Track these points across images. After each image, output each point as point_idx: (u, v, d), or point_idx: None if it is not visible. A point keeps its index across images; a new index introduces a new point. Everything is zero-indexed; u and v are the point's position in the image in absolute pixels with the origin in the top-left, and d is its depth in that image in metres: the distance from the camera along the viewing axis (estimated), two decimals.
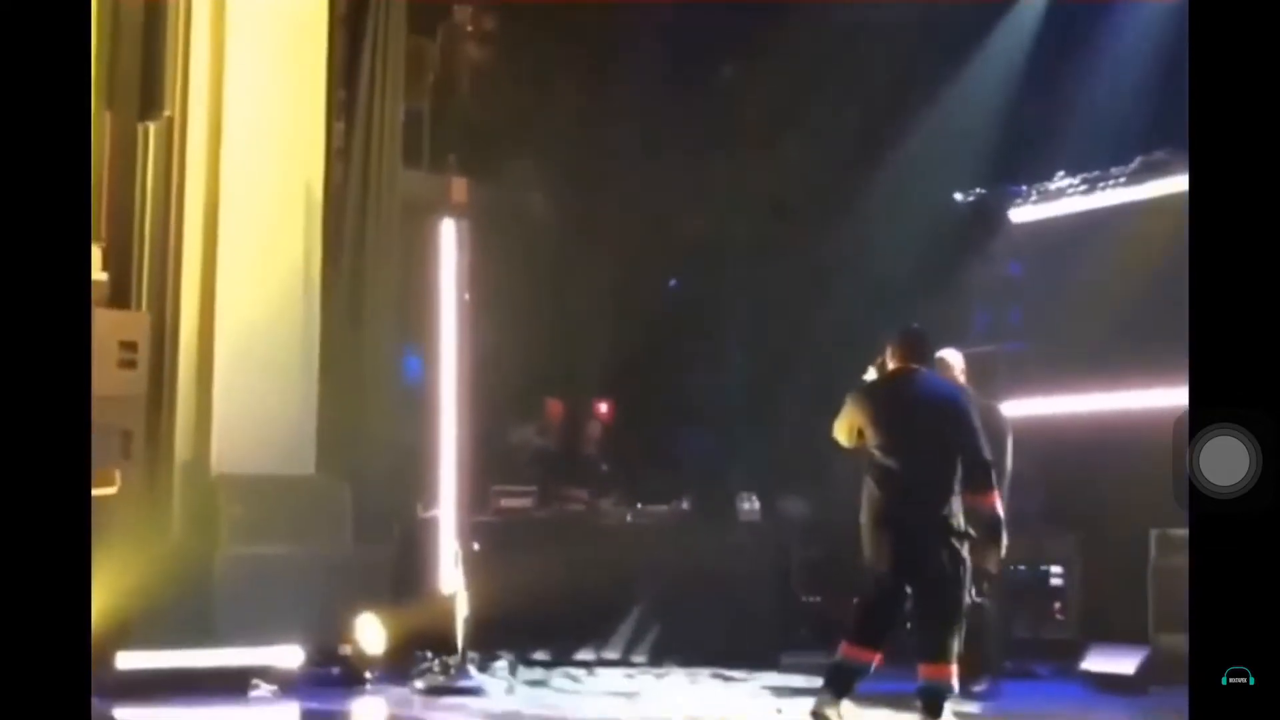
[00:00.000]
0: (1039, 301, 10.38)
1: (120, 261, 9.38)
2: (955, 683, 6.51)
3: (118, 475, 6.58)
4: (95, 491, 6.63)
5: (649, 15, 11.25)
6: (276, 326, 9.43)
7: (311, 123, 9.72)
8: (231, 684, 7.89)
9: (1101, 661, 8.41)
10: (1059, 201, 10.27)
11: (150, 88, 9.74)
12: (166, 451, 9.27)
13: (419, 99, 11.11)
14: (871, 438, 6.64)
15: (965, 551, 6.54)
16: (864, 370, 7.09)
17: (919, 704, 6.56)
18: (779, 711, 7.56)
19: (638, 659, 9.38)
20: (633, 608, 9.47)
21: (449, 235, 9.06)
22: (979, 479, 6.56)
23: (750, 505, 9.93)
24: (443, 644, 8.52)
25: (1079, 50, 10.61)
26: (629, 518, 10.00)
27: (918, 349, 6.87)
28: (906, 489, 6.53)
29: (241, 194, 9.42)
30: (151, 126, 9.62)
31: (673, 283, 12.82)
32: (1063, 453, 9.61)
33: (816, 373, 9.83)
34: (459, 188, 10.63)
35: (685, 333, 12.22)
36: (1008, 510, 7.98)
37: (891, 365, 6.87)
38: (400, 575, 9.28)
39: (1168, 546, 8.50)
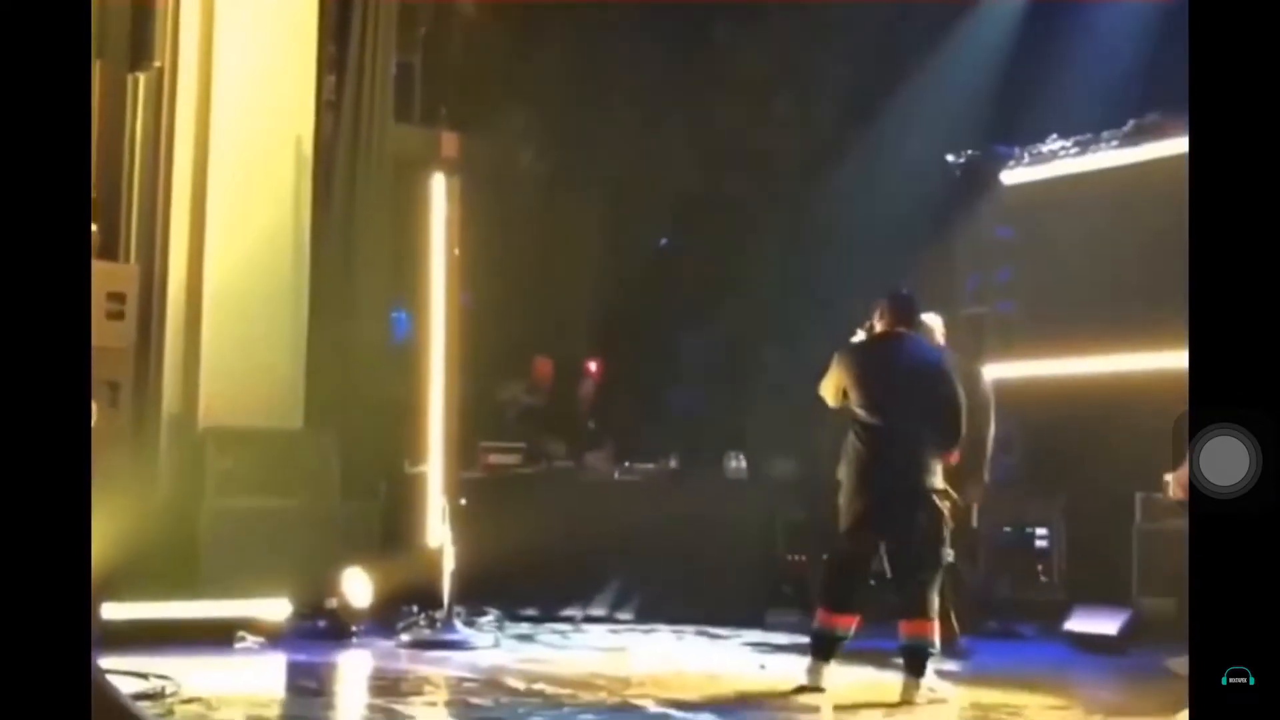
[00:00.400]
0: (1029, 264, 10.37)
1: (109, 213, 9.34)
2: (936, 640, 6.59)
3: (94, 408, 6.57)
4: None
5: None
6: (265, 280, 9.41)
7: (302, 76, 9.67)
8: (217, 636, 7.91)
9: (1085, 622, 8.47)
10: (1051, 164, 10.24)
11: (140, 38, 9.66)
12: (154, 404, 9.27)
13: (410, 53, 11.05)
14: (856, 398, 6.74)
15: (945, 510, 6.67)
16: (853, 332, 7.12)
17: (902, 662, 6.62)
18: (763, 667, 7.61)
19: (624, 615, 9.42)
20: (619, 565, 9.51)
21: (439, 190, 9.03)
22: (948, 439, 6.75)
23: (737, 464, 9.96)
24: (429, 598, 8.56)
25: (1073, 11, 10.56)
26: (616, 475, 10.02)
27: (905, 313, 6.98)
28: (889, 448, 6.64)
29: (231, 147, 9.38)
30: (141, 78, 9.56)
31: (663, 241, 12.79)
32: (1049, 415, 9.63)
33: (805, 333, 9.82)
34: (449, 142, 10.58)
35: (674, 291, 12.20)
36: (992, 472, 8.06)
37: (879, 328, 6.96)
38: (387, 530, 9.32)
39: (1152, 509, 8.55)
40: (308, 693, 6.83)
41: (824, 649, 6.76)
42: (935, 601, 6.61)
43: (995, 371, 8.88)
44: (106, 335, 8.66)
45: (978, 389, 8.23)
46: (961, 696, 6.62)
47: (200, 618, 8.01)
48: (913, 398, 6.70)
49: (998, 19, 11.00)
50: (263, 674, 7.38)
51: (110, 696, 3.64)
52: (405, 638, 8.35)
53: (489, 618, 9.05)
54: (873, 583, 6.87)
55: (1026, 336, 10.13)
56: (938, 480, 6.67)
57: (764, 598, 9.57)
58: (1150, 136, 9.50)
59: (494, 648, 8.29)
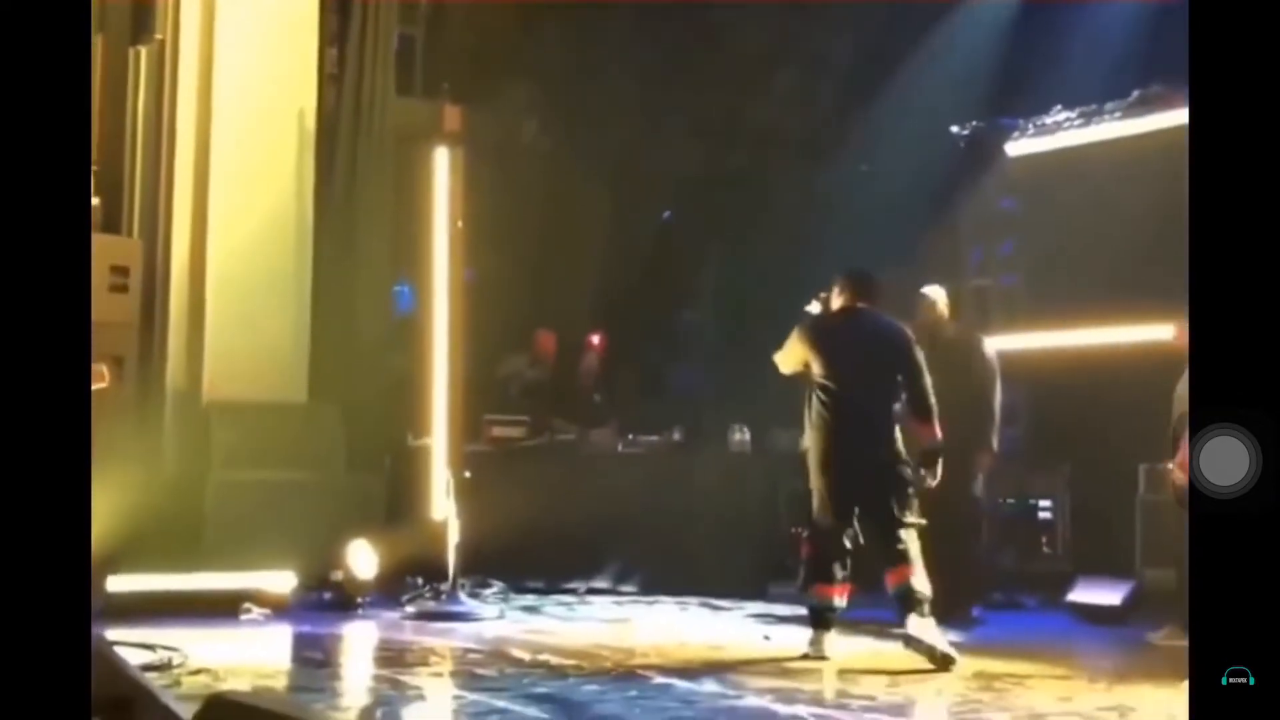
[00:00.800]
0: (1033, 236, 10.36)
1: (112, 187, 9.35)
2: (922, 581, 6.77)
3: (105, 371, 6.59)
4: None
5: None
6: (269, 254, 9.42)
7: (304, 49, 9.65)
8: (223, 608, 7.94)
9: (1088, 593, 8.49)
10: (1055, 135, 10.22)
11: (141, 11, 9.66)
12: (158, 377, 9.29)
13: (412, 26, 11.01)
14: (820, 370, 6.95)
15: (906, 474, 6.91)
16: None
17: (898, 609, 6.80)
18: (766, 639, 7.63)
19: (627, 588, 9.45)
20: (623, 537, 9.54)
21: (442, 164, 9.02)
22: (922, 410, 6.95)
23: (741, 436, 9.97)
24: (434, 570, 8.59)
25: None
26: (620, 448, 10.04)
27: (865, 288, 7.14)
28: (854, 420, 6.87)
29: (233, 120, 9.38)
30: (143, 51, 9.55)
31: (666, 214, 12.77)
32: (1052, 387, 9.64)
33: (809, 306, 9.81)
34: (452, 115, 10.56)
35: (678, 264, 12.20)
36: (1000, 443, 8.11)
37: (839, 302, 7.14)
38: (392, 502, 9.34)
39: (1155, 481, 8.55)
40: (313, 664, 6.87)
41: (823, 620, 6.95)
42: (915, 550, 6.81)
43: (999, 344, 8.87)
44: (110, 309, 8.70)
45: (983, 361, 8.25)
46: (965, 666, 6.64)
47: (206, 590, 8.05)
48: (875, 370, 6.94)
49: None
50: (269, 645, 7.41)
51: (118, 668, 3.66)
52: (410, 609, 8.39)
53: (493, 590, 9.08)
54: (849, 546, 7.02)
55: (1030, 308, 10.13)
56: (899, 449, 6.91)
57: (767, 570, 9.60)
58: (1154, 107, 9.47)
59: (499, 619, 8.33)
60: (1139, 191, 9.31)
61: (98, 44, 9.22)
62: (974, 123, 10.72)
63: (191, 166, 9.33)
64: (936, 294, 8.29)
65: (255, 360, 9.27)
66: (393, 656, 7.06)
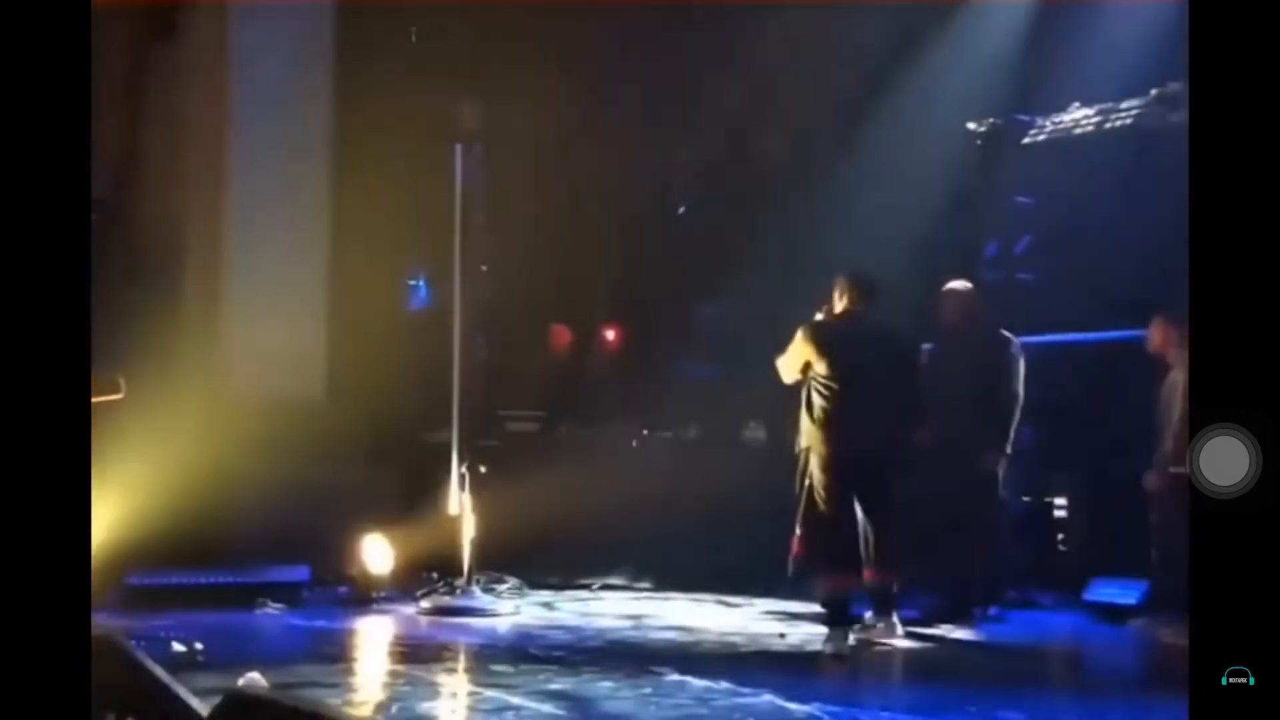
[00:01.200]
0: (1048, 232, 10.33)
1: (130, 183, 9.38)
2: (896, 586, 7.19)
3: (122, 383, 6.61)
4: (102, 399, 6.67)
5: None
6: (287, 251, 9.44)
7: (323, 45, 9.66)
8: (240, 602, 7.97)
9: (1104, 593, 8.46)
10: (1072, 132, 10.18)
11: (160, 10, 9.68)
12: (177, 374, 9.31)
13: (433, 19, 11.01)
14: (825, 370, 7.11)
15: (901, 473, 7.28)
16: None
17: (873, 605, 7.20)
18: (782, 636, 7.63)
19: (642, 584, 9.46)
20: (638, 533, 9.53)
21: (459, 159, 9.03)
22: (915, 413, 7.27)
23: (755, 433, 9.96)
24: (449, 565, 8.61)
25: None
26: (634, 443, 10.04)
27: (868, 289, 7.30)
28: (857, 416, 7.06)
29: (253, 117, 9.39)
30: (163, 45, 9.58)
31: (682, 209, 12.77)
32: (1069, 384, 9.60)
33: (826, 299, 9.80)
34: (471, 111, 10.55)
35: (694, 259, 12.18)
36: (1016, 440, 8.13)
37: (842, 304, 7.29)
38: (407, 497, 9.36)
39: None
40: (329, 659, 6.88)
41: (839, 613, 7.08)
42: (896, 553, 7.21)
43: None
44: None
45: (1007, 359, 8.21)
46: (981, 664, 6.64)
47: (223, 584, 8.07)
48: (878, 371, 7.11)
49: None
50: (284, 640, 7.43)
51: (136, 664, 3.67)
52: (425, 605, 8.41)
53: (508, 585, 9.09)
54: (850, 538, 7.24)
55: (1045, 304, 10.09)
56: (899, 448, 7.20)
57: (782, 567, 9.58)
58: (1172, 105, 9.43)
59: (514, 615, 8.34)
60: (1156, 189, 9.27)
61: (115, 40, 9.24)
62: (991, 119, 10.69)
63: (211, 163, 9.35)
64: (963, 289, 8.29)
65: (273, 355, 9.29)
66: (408, 652, 7.08)
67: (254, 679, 5.42)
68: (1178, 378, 7.83)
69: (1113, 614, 8.29)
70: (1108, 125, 9.92)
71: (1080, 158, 10.04)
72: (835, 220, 10.99)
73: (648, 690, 5.89)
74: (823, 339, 7.18)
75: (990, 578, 8.29)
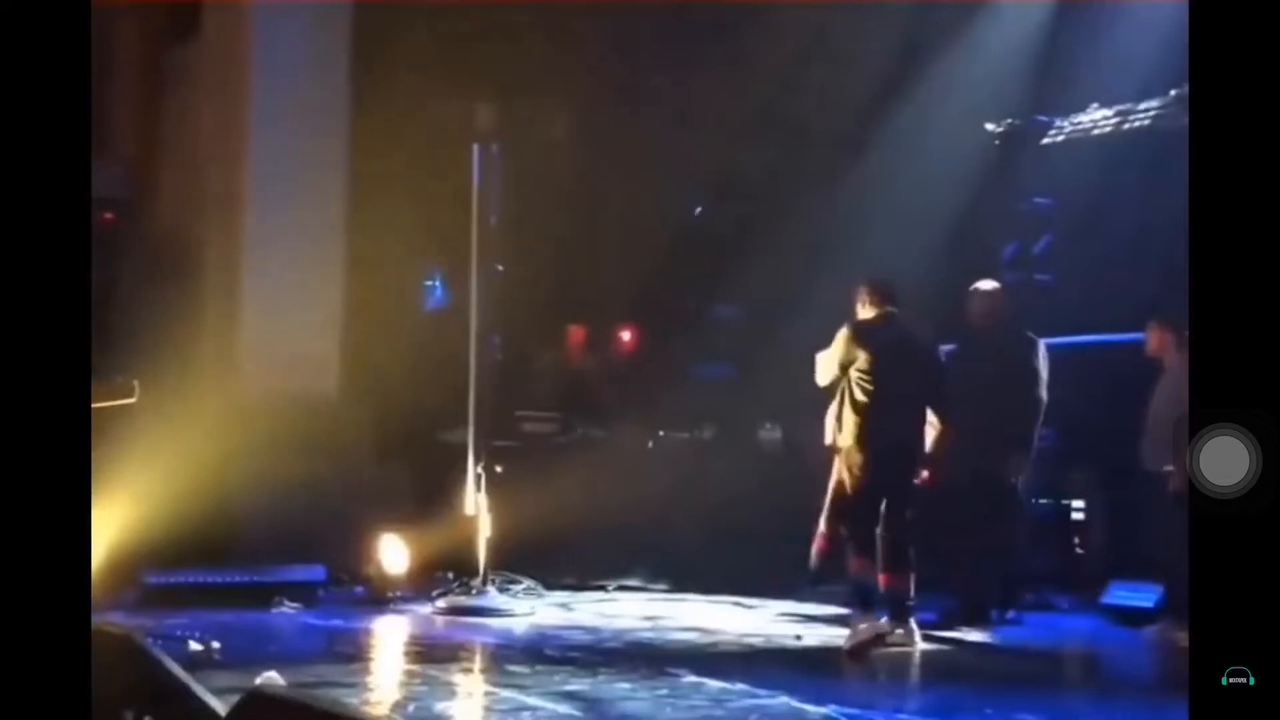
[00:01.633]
0: (1067, 233, 10.30)
1: (148, 182, 9.40)
2: (913, 591, 7.24)
3: (136, 386, 6.64)
4: (116, 403, 6.70)
5: None
6: (302, 248, 9.46)
7: (340, 45, 9.68)
8: (256, 601, 7.98)
9: (1121, 595, 8.43)
10: (1091, 133, 10.15)
11: (182, 9, 9.71)
12: (193, 371, 9.33)
13: (448, 21, 11.02)
14: (865, 367, 7.29)
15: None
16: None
17: (889, 610, 7.20)
18: (798, 638, 7.61)
19: (658, 585, 9.44)
20: (653, 535, 9.52)
21: (476, 160, 9.02)
22: (940, 411, 7.40)
23: (771, 434, 9.95)
24: (465, 565, 8.61)
25: None
26: (650, 444, 10.03)
27: (892, 294, 7.51)
28: (891, 414, 7.26)
29: (270, 114, 9.40)
30: (181, 45, 9.61)
31: (699, 210, 12.75)
32: (1087, 386, 9.56)
33: (841, 303, 9.78)
34: (487, 112, 10.56)
35: (710, 260, 12.17)
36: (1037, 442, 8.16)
37: (871, 309, 7.46)
38: (423, 497, 9.36)
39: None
40: (345, 658, 6.88)
41: (866, 604, 7.21)
42: (911, 554, 7.26)
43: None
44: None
45: (1032, 361, 8.17)
46: (998, 666, 6.62)
47: (239, 584, 8.08)
48: (909, 371, 7.33)
49: None
50: (300, 640, 7.44)
51: (155, 663, 3.67)
52: (441, 605, 8.40)
53: (524, 585, 9.08)
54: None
55: (1064, 305, 10.06)
56: (924, 446, 7.35)
57: (798, 569, 9.56)
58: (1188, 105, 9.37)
59: (530, 615, 8.33)
60: (1175, 190, 9.22)
61: (133, 41, 9.28)
62: (1010, 120, 10.65)
63: (228, 162, 9.38)
64: (991, 289, 8.31)
65: (289, 353, 9.30)
66: (424, 652, 7.08)
67: (271, 678, 5.43)
68: (1171, 379, 7.81)
69: (1130, 617, 8.26)
70: (1126, 126, 9.89)
71: (1099, 159, 10.01)
72: (852, 221, 10.97)
73: (664, 691, 5.88)
74: (864, 336, 7.35)
75: (1008, 580, 8.26)
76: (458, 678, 6.34)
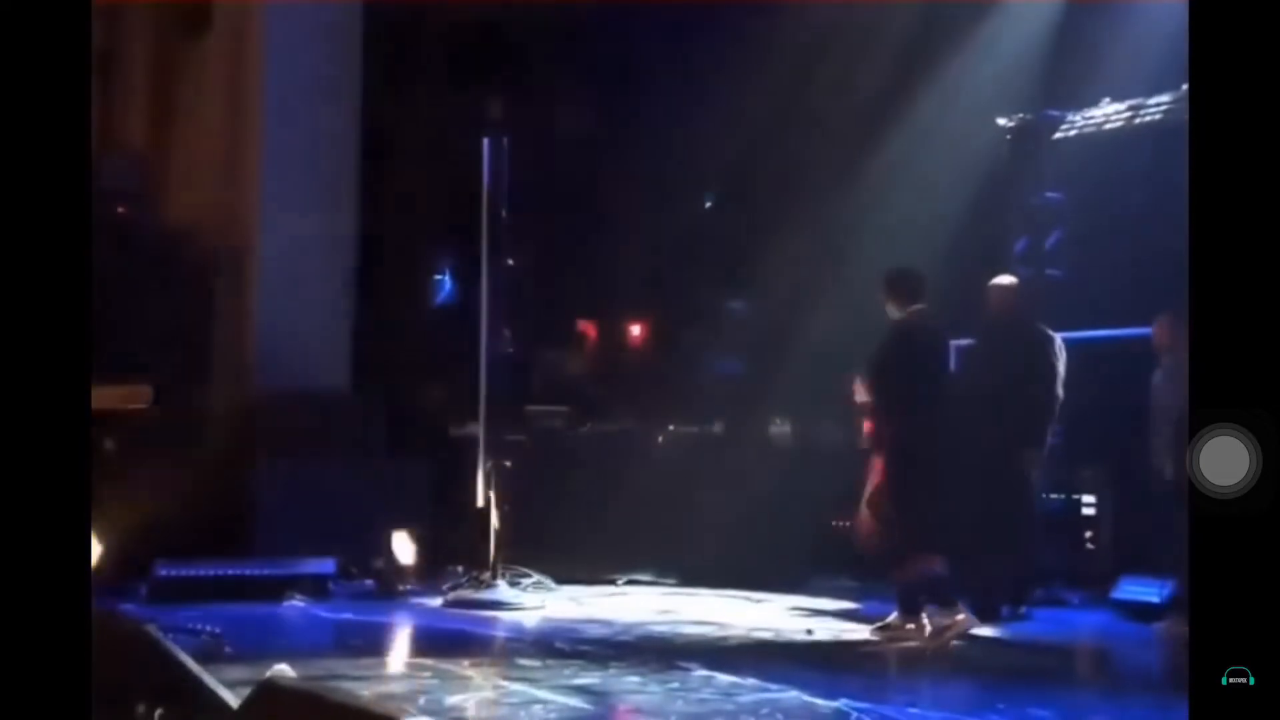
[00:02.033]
0: (1078, 228, 10.27)
1: (163, 176, 9.42)
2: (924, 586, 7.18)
3: (150, 392, 6.67)
4: (130, 406, 6.74)
5: None
6: (315, 244, 9.47)
7: (352, 40, 9.69)
8: (267, 594, 8.00)
9: (1131, 591, 8.41)
10: (1103, 128, 10.12)
11: (192, 8, 9.73)
12: (206, 365, 9.36)
13: (460, 14, 11.03)
14: (913, 367, 7.26)
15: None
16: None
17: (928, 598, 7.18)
18: (809, 632, 7.61)
19: (668, 579, 9.45)
20: (664, 529, 9.53)
21: (486, 152, 9.03)
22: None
23: (782, 429, 9.94)
24: (475, 559, 8.62)
25: None
26: (661, 439, 10.03)
27: (921, 286, 7.43)
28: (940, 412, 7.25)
29: (284, 112, 9.42)
30: (196, 41, 9.62)
31: (709, 203, 12.74)
32: (1097, 381, 9.55)
33: (852, 297, 9.78)
34: (498, 105, 10.57)
35: (721, 254, 12.17)
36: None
37: (907, 303, 7.30)
38: (434, 491, 9.37)
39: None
40: (356, 651, 6.89)
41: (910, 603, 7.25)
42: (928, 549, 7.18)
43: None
44: None
45: (1048, 357, 8.16)
46: (1009, 661, 6.61)
47: (250, 576, 8.10)
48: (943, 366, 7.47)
49: None
50: (311, 633, 7.45)
51: (167, 655, 3.69)
52: (451, 598, 8.41)
53: (534, 579, 9.09)
54: None
55: (1075, 301, 10.04)
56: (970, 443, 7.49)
57: (808, 563, 9.58)
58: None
59: (540, 609, 8.34)
60: (1185, 184, 9.20)
61: (146, 33, 9.29)
62: (1021, 114, 10.63)
63: (243, 159, 9.40)
64: (1008, 284, 8.29)
65: (301, 348, 9.32)
66: (434, 645, 7.08)
67: (282, 670, 5.44)
68: (1169, 375, 7.81)
69: (1140, 612, 8.24)
70: (1138, 120, 9.86)
71: (1111, 153, 9.99)
72: (863, 216, 10.96)
73: (674, 685, 5.88)
74: (910, 336, 7.28)
75: (1019, 576, 8.25)
76: (468, 671, 6.34)
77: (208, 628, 6.47)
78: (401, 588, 8.58)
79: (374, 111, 9.99)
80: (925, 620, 7.17)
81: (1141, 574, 8.51)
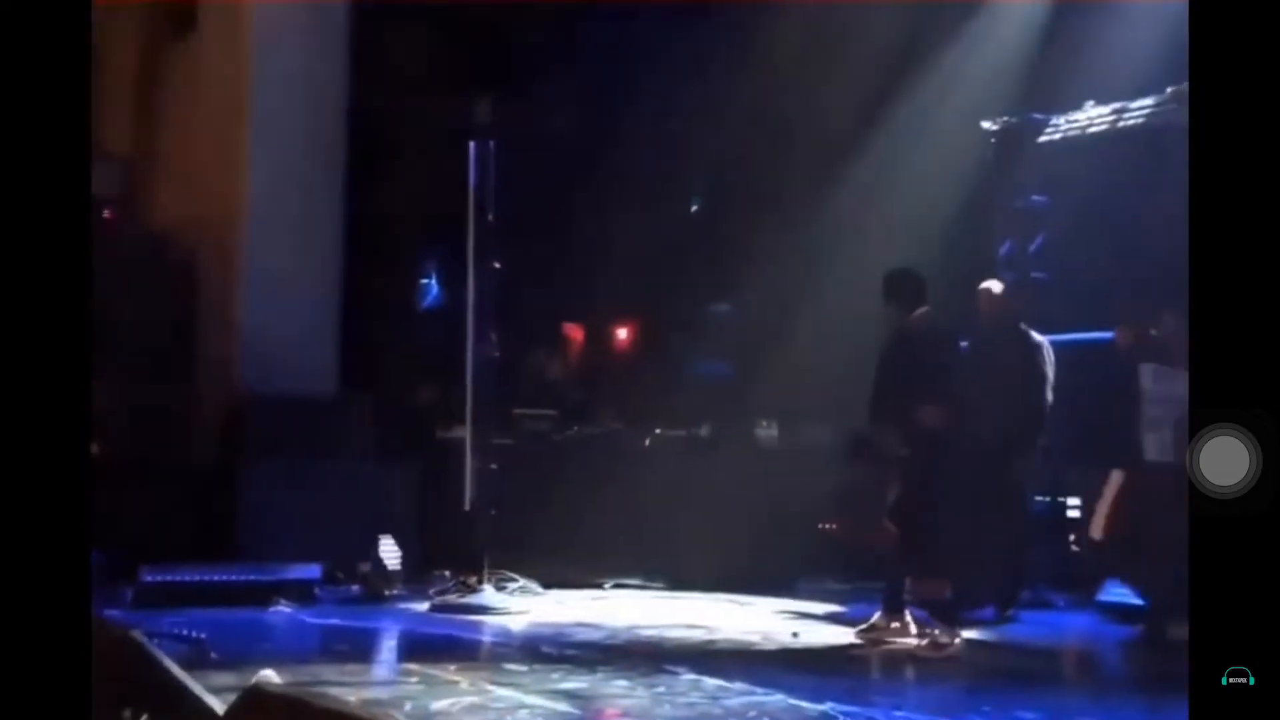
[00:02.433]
0: (1063, 232, 10.30)
1: (147, 178, 9.40)
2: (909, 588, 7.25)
3: None
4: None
5: None
6: (302, 246, 9.46)
7: (338, 40, 9.68)
8: (253, 599, 7.98)
9: (1117, 593, 8.43)
10: (1087, 131, 10.15)
11: (180, 7, 9.71)
12: (191, 369, 9.34)
13: (446, 16, 11.03)
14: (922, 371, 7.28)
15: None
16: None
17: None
18: (795, 635, 7.61)
19: (655, 583, 9.45)
20: (651, 532, 9.53)
21: (473, 155, 9.03)
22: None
23: (768, 431, 9.95)
24: (461, 563, 8.61)
25: None
26: (648, 442, 10.03)
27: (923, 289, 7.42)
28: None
29: (270, 112, 9.41)
30: (181, 44, 9.61)
31: (695, 207, 12.75)
32: (1081, 384, 9.57)
33: (838, 300, 9.80)
34: (484, 108, 10.57)
35: (707, 257, 12.18)
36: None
37: (910, 306, 7.25)
38: (421, 495, 9.36)
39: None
40: (342, 657, 6.88)
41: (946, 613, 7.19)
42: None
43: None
44: None
45: (1036, 362, 8.18)
46: (996, 663, 6.63)
47: (237, 581, 8.08)
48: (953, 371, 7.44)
49: None
50: (298, 638, 7.44)
51: (152, 661, 3.67)
52: (438, 602, 8.40)
53: (521, 584, 9.08)
54: None
55: (1060, 304, 10.06)
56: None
57: (795, 566, 9.58)
58: (1188, 103, 9.37)
59: (527, 613, 8.33)
60: (1171, 188, 9.23)
61: (133, 37, 9.28)
62: (1006, 118, 10.66)
63: (229, 160, 9.38)
64: (999, 289, 8.32)
65: (288, 351, 9.30)
66: (420, 650, 7.07)
67: (268, 676, 5.42)
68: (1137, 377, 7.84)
69: (1125, 614, 8.26)
70: (1122, 123, 9.89)
71: (1096, 156, 10.02)
72: (848, 220, 10.98)
73: (661, 689, 5.88)
74: (925, 340, 7.28)
75: (1006, 579, 8.27)
76: (454, 676, 6.33)
77: (193, 633, 6.45)
78: (388, 592, 8.57)
79: (361, 114, 9.98)
80: (909, 619, 7.18)
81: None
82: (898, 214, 10.31)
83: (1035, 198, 10.50)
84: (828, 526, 9.85)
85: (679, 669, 6.30)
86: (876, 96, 11.25)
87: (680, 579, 9.40)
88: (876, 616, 7.26)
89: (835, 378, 8.82)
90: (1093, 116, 10.11)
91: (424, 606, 8.40)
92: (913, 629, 7.18)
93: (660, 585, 9.43)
